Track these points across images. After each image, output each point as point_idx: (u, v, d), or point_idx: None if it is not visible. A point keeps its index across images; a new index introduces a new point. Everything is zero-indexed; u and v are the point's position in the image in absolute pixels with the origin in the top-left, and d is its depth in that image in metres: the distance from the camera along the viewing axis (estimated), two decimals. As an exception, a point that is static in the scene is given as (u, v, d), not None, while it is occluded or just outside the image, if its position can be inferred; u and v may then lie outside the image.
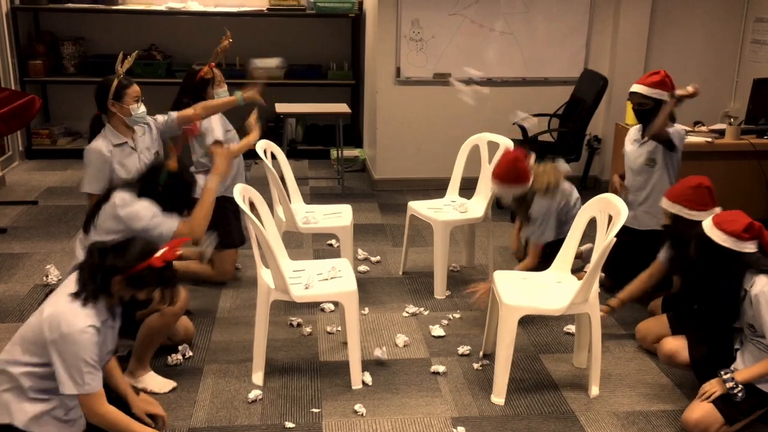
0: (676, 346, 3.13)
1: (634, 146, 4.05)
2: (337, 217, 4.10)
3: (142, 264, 2.40)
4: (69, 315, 2.33)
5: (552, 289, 3.23)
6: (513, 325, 3.04)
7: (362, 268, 4.41)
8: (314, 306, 3.90)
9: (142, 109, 3.59)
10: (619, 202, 3.09)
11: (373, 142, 6.12)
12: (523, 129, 5.53)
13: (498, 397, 3.11)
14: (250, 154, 4.13)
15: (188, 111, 3.77)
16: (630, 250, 3.72)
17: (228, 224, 4.04)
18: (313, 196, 5.67)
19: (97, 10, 6.49)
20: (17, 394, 2.37)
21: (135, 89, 3.60)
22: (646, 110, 3.90)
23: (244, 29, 6.78)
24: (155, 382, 3.11)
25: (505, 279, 3.31)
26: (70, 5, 6.45)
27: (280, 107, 5.88)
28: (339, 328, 3.66)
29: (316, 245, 4.78)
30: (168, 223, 2.99)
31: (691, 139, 4.65)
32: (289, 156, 4.45)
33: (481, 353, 3.47)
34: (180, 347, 3.39)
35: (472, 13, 5.70)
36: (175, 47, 6.83)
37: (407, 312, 3.85)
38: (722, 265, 2.81)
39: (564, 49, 5.88)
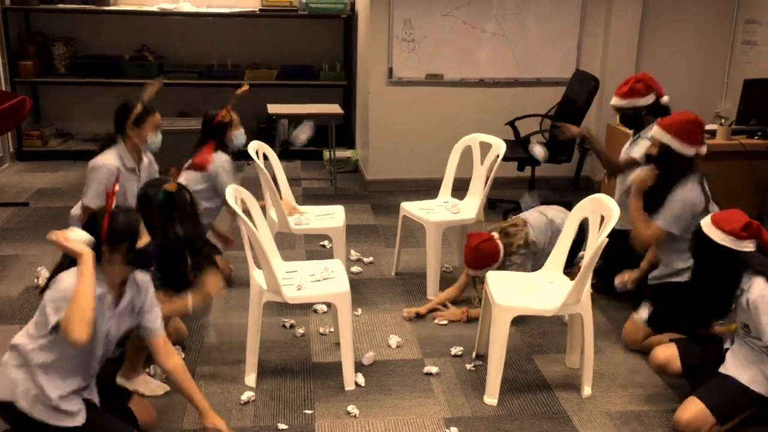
0: (668, 355, 3.08)
1: (625, 147, 4.08)
2: (330, 218, 4.10)
3: (105, 220, 2.44)
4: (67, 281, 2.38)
5: (544, 290, 3.23)
6: (506, 326, 3.05)
7: (355, 269, 4.40)
8: (307, 307, 3.89)
9: (159, 137, 3.59)
10: (611, 203, 3.10)
11: (365, 143, 6.12)
12: (515, 129, 5.55)
13: (491, 398, 3.11)
14: (243, 155, 4.12)
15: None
16: (621, 251, 3.73)
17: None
18: (306, 197, 5.66)
19: (88, 11, 6.46)
20: (26, 372, 2.42)
21: (156, 118, 3.62)
22: (628, 117, 3.99)
23: (236, 30, 6.79)
24: (146, 385, 3.10)
25: (497, 279, 3.31)
26: (61, 6, 6.42)
27: (273, 108, 5.87)
28: (332, 329, 3.66)
29: (309, 246, 4.78)
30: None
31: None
32: (281, 157, 4.45)
33: (473, 354, 3.48)
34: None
35: (465, 14, 5.71)
36: (167, 48, 6.81)
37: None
38: (720, 264, 2.81)
39: (556, 50, 5.90)
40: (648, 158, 3.53)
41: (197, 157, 3.91)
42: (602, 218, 3.14)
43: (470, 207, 4.23)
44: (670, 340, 3.16)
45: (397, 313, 3.90)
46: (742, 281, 2.78)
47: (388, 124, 5.88)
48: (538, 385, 3.27)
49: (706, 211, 3.32)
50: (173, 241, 2.99)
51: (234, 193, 3.15)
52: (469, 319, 3.76)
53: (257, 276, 3.17)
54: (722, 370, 2.89)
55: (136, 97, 3.66)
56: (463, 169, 4.37)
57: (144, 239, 2.54)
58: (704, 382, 2.91)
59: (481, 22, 5.75)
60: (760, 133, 4.65)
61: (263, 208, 3.68)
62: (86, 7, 6.44)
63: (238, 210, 3.04)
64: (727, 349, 2.95)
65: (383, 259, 4.60)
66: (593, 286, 4.01)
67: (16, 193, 5.69)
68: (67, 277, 2.40)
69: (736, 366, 2.88)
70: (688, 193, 3.37)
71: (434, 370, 3.34)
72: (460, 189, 4.39)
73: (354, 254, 4.60)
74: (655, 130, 3.44)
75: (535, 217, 3.87)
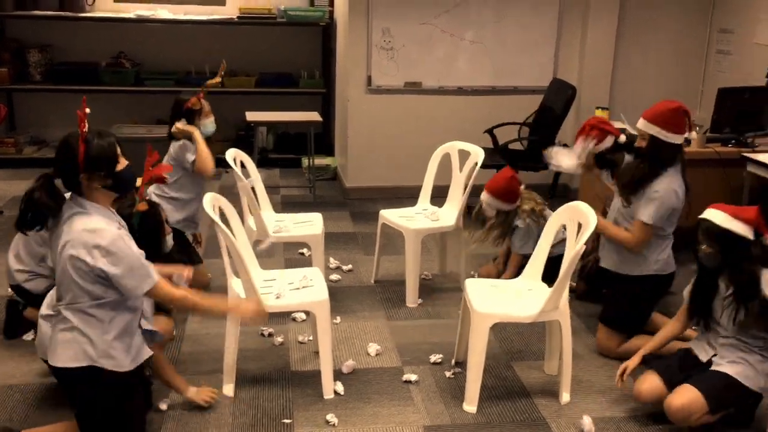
0: (653, 388, 3.00)
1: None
2: (308, 225, 4.09)
3: (80, 145, 2.42)
4: (92, 227, 2.40)
5: (523, 297, 3.24)
6: (484, 333, 3.05)
7: (334, 276, 4.39)
8: (285, 315, 3.87)
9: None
10: (588, 210, 3.12)
11: (344, 151, 6.12)
12: (494, 137, 5.57)
13: (470, 405, 3.11)
14: (220, 164, 4.10)
15: None
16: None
17: (187, 248, 4.06)
18: (285, 205, 5.64)
19: (65, 17, 6.40)
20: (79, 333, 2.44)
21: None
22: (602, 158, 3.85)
23: (214, 37, 6.76)
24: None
25: (476, 287, 3.32)
26: (37, 12, 6.36)
27: (251, 116, 5.85)
28: (311, 338, 3.64)
29: (287, 254, 4.76)
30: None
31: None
32: (259, 165, 4.43)
33: (453, 361, 3.48)
34: None
35: (443, 22, 5.74)
36: (143, 55, 6.76)
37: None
38: (741, 254, 2.80)
39: (533, 59, 5.94)
40: (638, 151, 3.51)
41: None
42: (579, 226, 3.15)
43: (449, 214, 4.24)
44: (644, 363, 3.11)
45: (376, 321, 3.89)
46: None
47: (367, 131, 5.88)
48: (517, 392, 3.28)
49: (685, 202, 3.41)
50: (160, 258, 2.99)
51: (212, 201, 3.12)
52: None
53: (235, 285, 3.15)
54: (714, 367, 2.92)
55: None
56: (442, 177, 4.38)
57: (122, 162, 2.51)
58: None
59: (459, 31, 5.78)
60: (733, 141, 4.71)
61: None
62: (62, 13, 6.38)
63: (216, 218, 3.02)
64: (714, 356, 2.97)
65: (362, 267, 4.59)
66: (574, 291, 4.07)
67: (-11, 202, 5.61)
68: (92, 221, 2.41)
69: (725, 364, 2.89)
70: (669, 184, 3.40)
71: (413, 377, 3.34)
72: (439, 196, 4.40)
73: (333, 262, 4.59)
74: (641, 123, 3.46)
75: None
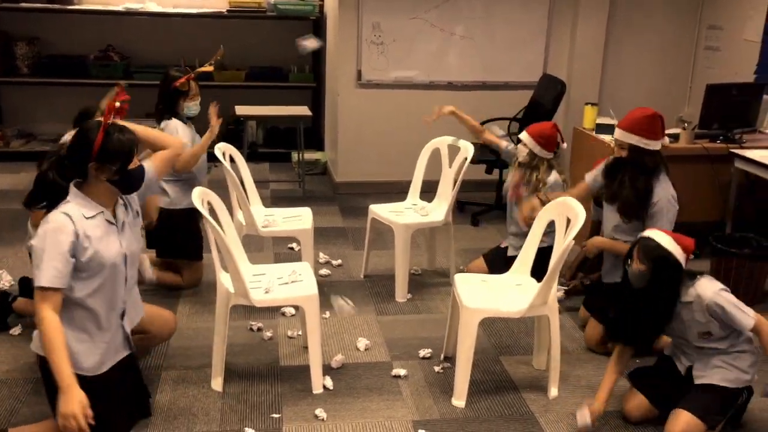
0: (640, 406, 3.03)
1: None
2: (298, 220, 4.08)
3: (99, 135, 2.41)
4: (49, 215, 2.41)
5: (512, 292, 3.25)
6: (473, 328, 3.06)
7: (323, 271, 4.39)
8: (275, 310, 3.87)
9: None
10: (578, 206, 3.13)
11: (334, 145, 6.11)
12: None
13: (459, 400, 3.12)
14: (209, 158, 4.08)
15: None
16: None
17: (198, 237, 4.02)
18: (274, 200, 5.63)
19: (52, 10, 6.34)
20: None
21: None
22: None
23: (203, 30, 6.72)
24: None
25: (465, 282, 3.32)
26: (24, 4, 6.30)
27: (240, 110, 5.83)
28: (300, 332, 3.64)
29: (277, 249, 4.75)
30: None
31: (647, 143, 4.74)
32: (249, 159, 4.42)
33: (442, 356, 3.48)
34: None
35: (433, 17, 5.73)
36: (132, 48, 6.72)
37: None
38: (671, 278, 2.82)
39: (523, 54, 5.95)
40: (618, 161, 3.54)
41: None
42: (568, 221, 3.16)
43: (439, 209, 4.25)
44: (631, 382, 3.12)
45: (365, 316, 3.89)
46: (680, 294, 2.83)
47: (357, 126, 5.87)
48: (506, 387, 3.29)
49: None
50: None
51: (200, 196, 3.11)
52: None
53: (224, 279, 3.14)
54: (697, 382, 2.91)
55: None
56: (432, 172, 4.38)
57: (135, 162, 2.50)
58: (678, 398, 2.91)
59: (449, 26, 5.78)
60: (722, 137, 4.73)
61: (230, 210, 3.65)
62: (50, 6, 6.32)
63: (205, 212, 3.01)
64: (690, 367, 2.96)
65: (352, 262, 4.59)
66: (583, 284, 4.06)
67: (-24, 195, 5.57)
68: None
69: (706, 374, 2.89)
70: (664, 193, 3.43)
71: (402, 372, 3.34)
72: (429, 191, 4.40)
73: (322, 257, 4.59)
74: (618, 132, 3.48)
75: None
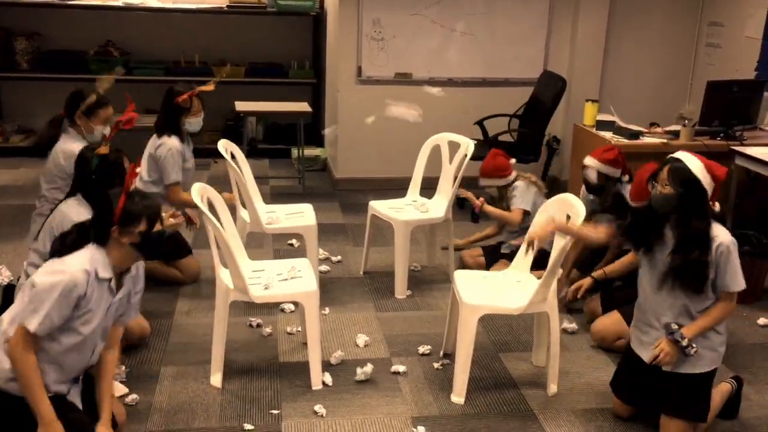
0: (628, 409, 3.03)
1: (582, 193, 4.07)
2: (300, 216, 4.07)
3: (121, 199, 2.42)
4: (68, 259, 2.36)
5: (511, 289, 3.25)
6: (473, 325, 3.06)
7: (323, 267, 4.39)
8: (274, 306, 3.87)
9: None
10: (578, 202, 3.12)
11: (334, 142, 6.10)
12: (484, 128, 5.58)
13: (458, 396, 3.12)
14: (210, 153, 4.07)
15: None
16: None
17: (177, 236, 4.05)
18: (274, 196, 5.62)
19: (52, 5, 6.34)
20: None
21: (108, 112, 3.78)
22: (600, 189, 3.91)
23: (203, 26, 6.72)
24: None
25: (465, 279, 3.32)
26: (24, 0, 6.30)
27: (240, 106, 5.82)
28: (299, 329, 3.64)
29: (277, 245, 4.74)
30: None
31: (647, 140, 4.74)
32: (249, 155, 4.41)
33: (441, 352, 3.48)
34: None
35: (434, 13, 5.72)
36: (132, 44, 6.71)
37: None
38: (699, 205, 2.70)
39: (524, 51, 5.94)
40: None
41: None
42: (568, 217, 3.16)
43: (439, 206, 4.24)
44: (614, 394, 3.07)
45: (365, 312, 3.89)
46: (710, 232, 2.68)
47: (357, 122, 5.86)
48: (505, 384, 3.29)
49: None
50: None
51: (200, 191, 3.11)
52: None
53: (223, 275, 3.14)
54: (674, 369, 2.78)
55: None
56: (432, 168, 4.38)
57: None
58: (650, 390, 2.88)
59: (450, 22, 5.77)
60: (722, 134, 4.73)
61: (233, 207, 3.64)
62: (50, 1, 6.32)
63: (204, 208, 3.01)
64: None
65: (351, 258, 4.59)
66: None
67: (-24, 191, 5.57)
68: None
69: (687, 360, 2.77)
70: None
71: (402, 369, 3.34)
72: (429, 188, 4.39)
73: (322, 253, 4.58)
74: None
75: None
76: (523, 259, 3.41)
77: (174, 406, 3.01)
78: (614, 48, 6.06)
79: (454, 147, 4.25)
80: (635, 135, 4.72)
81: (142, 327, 3.38)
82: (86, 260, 2.37)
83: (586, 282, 3.49)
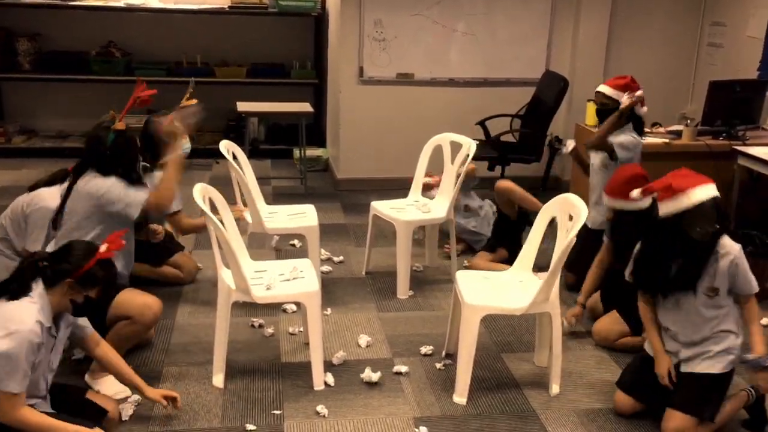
0: (632, 405, 3.03)
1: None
2: (302, 217, 4.07)
3: (90, 262, 2.43)
4: (17, 311, 2.31)
5: (514, 289, 3.25)
6: (475, 325, 3.05)
7: (325, 268, 4.38)
8: (276, 307, 3.87)
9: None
10: (579, 202, 3.12)
11: (336, 142, 6.10)
12: (486, 129, 5.57)
13: (460, 397, 3.12)
14: (212, 154, 4.07)
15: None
16: (586, 244, 3.78)
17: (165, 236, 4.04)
18: (276, 196, 5.62)
19: (54, 6, 6.35)
20: None
21: None
22: (607, 110, 4.01)
23: (205, 27, 6.72)
24: (110, 386, 3.05)
25: (467, 279, 3.32)
26: (26, 0, 6.30)
27: (242, 106, 5.82)
28: (301, 329, 3.64)
29: (278, 245, 4.74)
30: (137, 196, 3.05)
31: (649, 140, 4.73)
32: (251, 156, 4.41)
33: (443, 353, 3.48)
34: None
35: (435, 13, 5.72)
36: (134, 44, 6.72)
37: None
38: (706, 222, 2.78)
39: (525, 51, 5.94)
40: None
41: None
42: (570, 217, 3.15)
43: (440, 206, 4.24)
44: (619, 388, 3.09)
45: (367, 313, 3.89)
46: (717, 244, 2.80)
47: (359, 123, 5.87)
48: (507, 384, 3.28)
49: None
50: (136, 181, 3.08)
51: (202, 192, 3.11)
52: None
53: (225, 276, 3.14)
54: (688, 369, 2.86)
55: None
56: (434, 169, 4.38)
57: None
58: (666, 393, 2.90)
59: (451, 22, 5.76)
60: (724, 134, 4.73)
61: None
62: (51, 1, 6.32)
63: (206, 208, 3.01)
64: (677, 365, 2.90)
65: (353, 259, 4.58)
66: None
67: (-22, 191, 5.57)
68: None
69: (698, 361, 2.85)
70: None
71: (404, 369, 3.34)
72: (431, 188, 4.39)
73: (324, 253, 4.58)
74: (606, 199, 3.45)
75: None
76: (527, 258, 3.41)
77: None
78: (616, 48, 6.05)
79: (456, 147, 4.24)
80: (637, 135, 4.70)
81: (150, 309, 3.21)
82: (36, 311, 2.34)
83: (578, 311, 3.64)
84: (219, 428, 2.89)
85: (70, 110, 6.84)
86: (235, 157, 3.97)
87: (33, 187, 3.50)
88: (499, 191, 4.41)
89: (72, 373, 3.12)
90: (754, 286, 2.84)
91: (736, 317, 2.87)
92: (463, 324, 3.09)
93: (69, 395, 2.63)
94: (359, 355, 3.46)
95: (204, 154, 6.02)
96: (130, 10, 6.41)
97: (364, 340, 3.57)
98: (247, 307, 3.79)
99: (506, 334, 3.73)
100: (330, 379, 3.22)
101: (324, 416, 2.98)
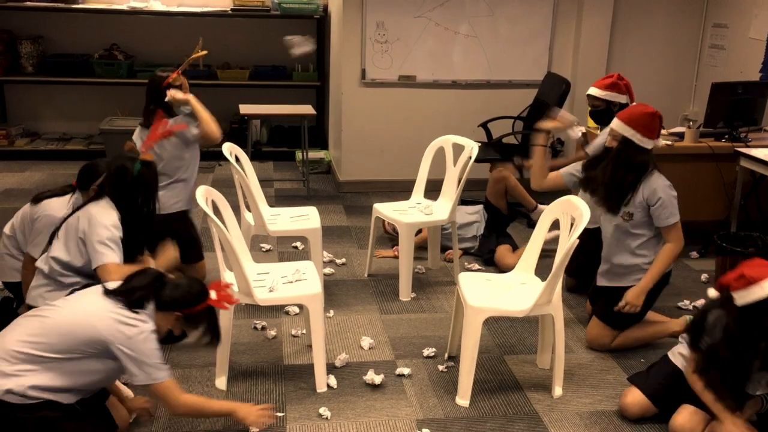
0: (640, 404, 3.01)
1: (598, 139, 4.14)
2: (305, 219, 4.07)
3: (203, 304, 2.54)
4: (133, 321, 2.44)
5: (516, 291, 3.25)
6: (477, 327, 3.05)
7: (327, 270, 4.39)
8: (279, 309, 3.87)
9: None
10: (582, 204, 3.12)
11: (338, 144, 6.10)
12: (488, 131, 5.57)
13: (463, 399, 3.12)
14: (214, 156, 4.07)
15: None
16: (586, 248, 3.77)
17: (194, 239, 4.01)
18: (278, 198, 5.63)
19: (57, 9, 6.35)
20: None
21: None
22: (599, 111, 4.14)
23: (207, 29, 6.71)
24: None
25: (469, 281, 3.32)
26: (29, 3, 6.31)
27: (245, 108, 5.83)
28: (304, 331, 3.64)
29: (281, 248, 4.75)
30: (109, 256, 2.86)
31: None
32: (253, 158, 4.41)
33: (446, 355, 3.48)
34: None
35: (437, 15, 5.73)
36: (137, 47, 6.73)
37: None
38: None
39: (527, 53, 5.94)
40: (607, 151, 3.50)
41: (153, 129, 3.72)
42: (573, 220, 3.16)
43: (443, 208, 4.24)
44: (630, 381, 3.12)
45: (369, 315, 3.89)
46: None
47: (361, 125, 5.87)
48: (510, 386, 3.29)
49: None
50: (147, 216, 3.03)
51: (204, 194, 3.11)
52: None
53: (228, 278, 3.14)
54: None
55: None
56: (436, 171, 4.38)
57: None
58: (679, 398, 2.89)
59: (453, 24, 5.77)
60: (727, 136, 4.72)
61: (236, 209, 3.64)
62: (54, 5, 6.33)
63: (209, 211, 3.01)
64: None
65: (356, 261, 4.59)
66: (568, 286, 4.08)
67: (-19, 194, 5.58)
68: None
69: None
70: (660, 182, 3.40)
71: (406, 371, 3.34)
72: (433, 190, 4.39)
73: (326, 255, 4.58)
74: (615, 123, 3.46)
75: None
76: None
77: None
78: (618, 50, 6.06)
79: (458, 149, 4.25)
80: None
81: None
82: (152, 324, 2.49)
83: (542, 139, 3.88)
84: (222, 430, 2.89)
85: (73, 113, 6.86)
86: (237, 160, 3.97)
87: (36, 200, 3.49)
88: (496, 178, 4.61)
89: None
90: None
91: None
92: (466, 326, 3.09)
93: (95, 396, 2.65)
94: (362, 358, 3.47)
95: (206, 157, 6.02)
96: (132, 12, 6.42)
97: (366, 342, 3.58)
98: (249, 310, 3.80)
99: (509, 336, 3.73)
100: (333, 381, 3.22)
101: (327, 418, 2.98)
